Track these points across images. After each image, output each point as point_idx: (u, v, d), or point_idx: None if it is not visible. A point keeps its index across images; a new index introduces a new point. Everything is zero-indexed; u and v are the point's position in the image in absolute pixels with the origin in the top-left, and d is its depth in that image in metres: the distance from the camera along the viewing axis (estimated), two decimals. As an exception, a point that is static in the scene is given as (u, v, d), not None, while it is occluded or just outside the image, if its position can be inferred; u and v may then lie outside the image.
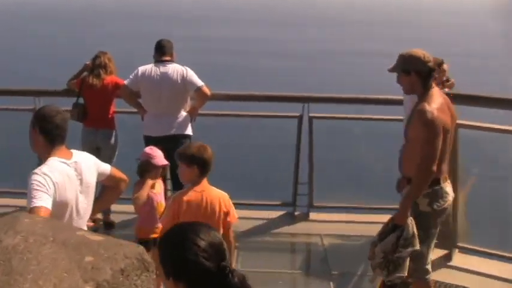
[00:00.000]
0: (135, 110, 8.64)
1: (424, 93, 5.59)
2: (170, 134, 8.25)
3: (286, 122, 9.32)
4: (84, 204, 4.77)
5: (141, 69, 8.29)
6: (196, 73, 8.25)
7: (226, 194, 5.60)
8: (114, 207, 8.62)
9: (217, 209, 5.45)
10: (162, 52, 8.36)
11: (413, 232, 5.53)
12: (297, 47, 33.09)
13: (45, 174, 4.47)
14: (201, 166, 5.45)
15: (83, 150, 8.47)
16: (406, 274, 5.63)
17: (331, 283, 7.33)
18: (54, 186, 4.46)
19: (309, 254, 8.57)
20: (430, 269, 5.88)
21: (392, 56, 6.15)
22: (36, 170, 4.51)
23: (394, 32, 37.74)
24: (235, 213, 5.59)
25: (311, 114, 8.79)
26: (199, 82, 8.19)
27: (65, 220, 4.61)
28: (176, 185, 8.33)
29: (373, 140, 12.17)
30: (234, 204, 9.20)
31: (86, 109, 8.67)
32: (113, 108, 8.69)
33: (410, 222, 5.55)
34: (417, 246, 5.54)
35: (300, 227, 8.79)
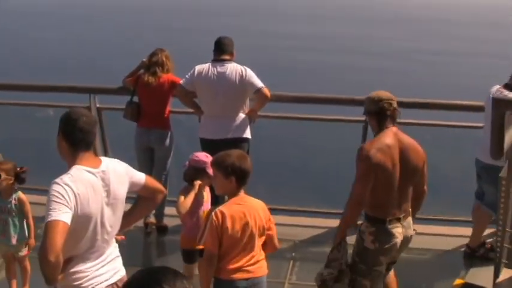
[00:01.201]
0: (192, 110, 8.54)
1: (378, 133, 5.91)
2: (227, 137, 8.09)
3: (351, 126, 9.06)
4: (111, 218, 4.55)
5: (197, 68, 8.15)
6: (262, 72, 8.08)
7: (262, 202, 5.46)
8: (168, 210, 8.57)
9: (258, 219, 5.30)
10: (221, 50, 8.20)
11: (337, 258, 5.89)
12: (370, 45, 32.65)
13: (66, 184, 4.24)
14: (240, 177, 5.28)
15: (136, 151, 8.61)
16: None
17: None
18: (76, 198, 4.23)
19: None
20: None
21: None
22: (57, 180, 4.28)
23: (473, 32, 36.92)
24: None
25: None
26: (259, 83, 8.02)
27: (88, 234, 4.42)
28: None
29: (446, 148, 11.84)
30: (296, 211, 9.19)
31: (140, 108, 8.58)
32: (168, 108, 8.56)
33: (339, 248, 5.90)
34: (334, 270, 5.90)
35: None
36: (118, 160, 4.77)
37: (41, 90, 10.07)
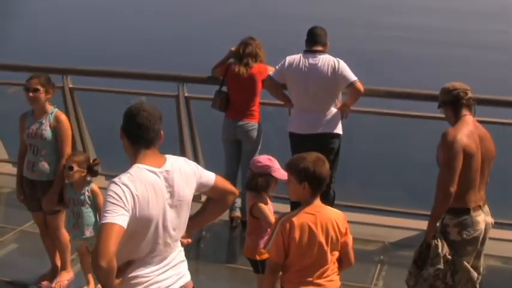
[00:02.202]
0: (282, 103, 8.30)
1: (456, 122, 5.90)
2: (317, 132, 7.83)
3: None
4: (174, 220, 4.28)
5: (288, 59, 7.89)
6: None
7: (341, 213, 5.06)
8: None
9: (332, 232, 4.91)
10: (313, 41, 7.92)
11: (438, 252, 5.77)
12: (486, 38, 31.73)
13: (124, 184, 4.01)
14: (314, 184, 4.89)
15: (224, 142, 8.45)
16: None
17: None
18: (134, 199, 3.99)
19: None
20: None
21: None
22: (115, 179, 4.06)
23: None
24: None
25: (477, 118, 8.08)
26: (352, 77, 7.71)
27: (149, 238, 4.17)
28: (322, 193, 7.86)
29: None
30: (387, 211, 8.88)
31: (229, 98, 8.42)
32: (258, 99, 8.35)
33: (437, 242, 5.81)
34: (440, 265, 5.78)
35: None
36: (185, 158, 4.50)
37: (129, 78, 10.03)
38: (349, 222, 8.15)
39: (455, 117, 5.92)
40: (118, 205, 3.93)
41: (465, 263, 5.85)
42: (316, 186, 4.90)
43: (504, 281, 7.56)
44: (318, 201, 4.96)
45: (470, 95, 5.94)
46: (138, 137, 4.22)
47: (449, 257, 5.82)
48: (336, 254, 5.01)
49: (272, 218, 5.96)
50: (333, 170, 8.03)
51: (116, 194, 3.97)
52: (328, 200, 8.00)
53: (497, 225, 8.30)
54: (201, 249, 8.52)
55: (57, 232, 7.11)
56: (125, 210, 3.93)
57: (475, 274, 5.87)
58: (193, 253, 8.61)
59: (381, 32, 32.23)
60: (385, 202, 9.10)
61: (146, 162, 4.19)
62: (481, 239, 5.92)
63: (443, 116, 8.41)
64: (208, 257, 7.92)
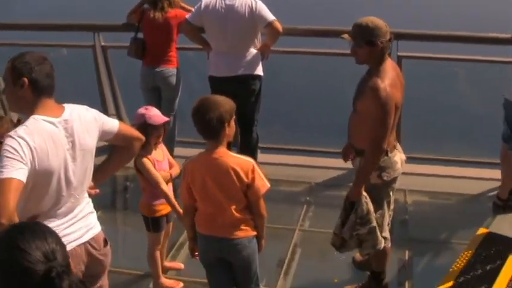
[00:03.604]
0: (200, 47, 8.12)
1: (378, 66, 5.39)
2: (237, 74, 7.69)
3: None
4: (78, 171, 4.09)
5: (204, 1, 7.65)
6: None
7: (248, 162, 4.82)
8: (178, 151, 8.23)
9: (226, 181, 4.76)
10: None
11: (368, 209, 5.58)
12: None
13: (20, 137, 3.79)
14: (199, 126, 4.76)
15: (142, 91, 8.26)
16: (381, 246, 5.74)
17: (407, 251, 6.74)
18: (32, 152, 3.79)
19: (388, 213, 7.97)
20: (387, 236, 5.86)
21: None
22: (11, 133, 3.84)
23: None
24: (263, 183, 4.81)
25: (400, 54, 8.02)
26: (270, 16, 7.54)
27: (51, 191, 3.99)
28: (245, 136, 7.91)
29: (478, 84, 11.37)
30: (313, 151, 8.86)
31: (145, 45, 8.20)
32: (175, 45, 8.15)
33: (364, 199, 5.56)
34: (374, 223, 5.61)
35: (383, 180, 8.13)
36: (86, 107, 4.29)
37: (43, 29, 9.71)
38: (274, 164, 8.28)
39: (382, 59, 5.39)
40: (15, 159, 3.73)
41: (378, 231, 5.68)
42: (201, 129, 4.79)
43: (431, 216, 7.60)
44: (220, 148, 4.77)
45: None
46: (45, 87, 3.99)
47: (377, 215, 5.68)
48: (240, 204, 4.85)
49: (156, 174, 5.82)
50: (255, 112, 8.00)
51: (12, 147, 3.76)
52: (250, 143, 7.97)
53: (418, 160, 8.43)
54: (127, 200, 8.43)
55: None
56: (23, 163, 3.75)
57: (381, 245, 5.73)
58: (119, 204, 8.55)
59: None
60: (311, 143, 9.07)
61: (43, 113, 3.97)
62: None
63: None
64: (134, 208, 7.82)
